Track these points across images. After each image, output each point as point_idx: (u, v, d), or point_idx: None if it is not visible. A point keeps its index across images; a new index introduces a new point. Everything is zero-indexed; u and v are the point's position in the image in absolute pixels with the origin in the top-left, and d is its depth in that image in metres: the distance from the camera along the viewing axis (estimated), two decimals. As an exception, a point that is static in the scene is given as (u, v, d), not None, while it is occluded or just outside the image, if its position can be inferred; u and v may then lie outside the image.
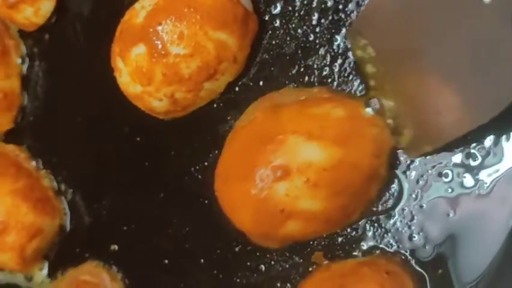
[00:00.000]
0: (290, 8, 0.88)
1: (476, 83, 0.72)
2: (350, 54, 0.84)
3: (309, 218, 0.79)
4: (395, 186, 0.82)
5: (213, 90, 0.87)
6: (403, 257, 0.82)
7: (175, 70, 0.84)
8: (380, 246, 0.83)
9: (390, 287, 0.78)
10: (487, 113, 0.73)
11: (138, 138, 0.95)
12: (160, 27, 0.85)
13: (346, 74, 0.84)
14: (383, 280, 0.78)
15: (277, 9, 0.88)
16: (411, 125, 0.79)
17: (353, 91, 0.84)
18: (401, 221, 0.82)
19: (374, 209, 0.83)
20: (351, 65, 0.84)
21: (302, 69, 0.87)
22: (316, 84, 0.86)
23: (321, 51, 0.86)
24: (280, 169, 0.78)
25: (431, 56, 0.74)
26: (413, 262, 0.82)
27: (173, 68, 0.84)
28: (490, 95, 0.72)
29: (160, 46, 0.85)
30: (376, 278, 0.78)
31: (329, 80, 0.86)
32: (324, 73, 0.86)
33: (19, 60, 1.03)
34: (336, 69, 0.85)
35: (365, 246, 0.84)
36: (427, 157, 0.81)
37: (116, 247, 0.97)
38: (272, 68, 0.89)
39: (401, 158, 0.82)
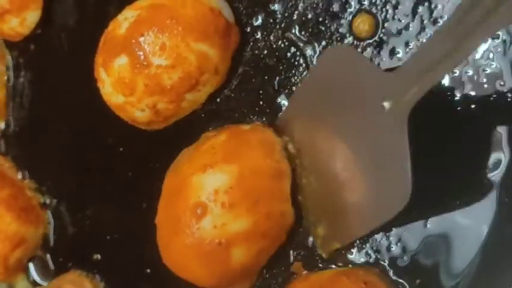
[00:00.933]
0: (271, 20, 0.89)
1: (379, 182, 0.78)
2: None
3: (247, 238, 0.82)
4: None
5: (195, 101, 0.89)
6: (382, 268, 0.83)
7: (157, 81, 0.86)
8: (359, 257, 0.84)
9: None
10: (390, 211, 0.77)
11: (121, 149, 0.97)
12: (142, 39, 0.86)
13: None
14: None
15: (259, 21, 0.90)
16: (323, 224, 0.84)
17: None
18: (378, 232, 0.83)
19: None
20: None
21: (283, 81, 0.89)
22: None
23: (302, 63, 0.88)
24: (197, 207, 0.81)
25: (340, 154, 0.81)
26: (391, 272, 0.83)
27: (155, 79, 0.86)
28: (391, 192, 0.77)
29: (142, 57, 0.86)
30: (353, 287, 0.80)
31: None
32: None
33: (4, 71, 1.04)
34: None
35: (343, 256, 0.85)
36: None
37: (99, 256, 0.99)
38: (253, 80, 0.90)
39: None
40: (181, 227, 0.83)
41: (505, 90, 0.80)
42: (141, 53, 0.87)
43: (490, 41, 0.80)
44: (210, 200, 0.82)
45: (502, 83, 0.80)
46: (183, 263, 0.85)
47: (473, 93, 0.81)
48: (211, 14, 0.87)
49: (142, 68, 0.87)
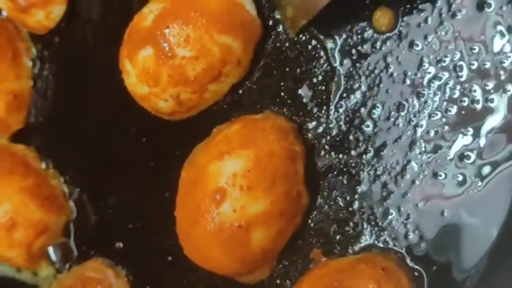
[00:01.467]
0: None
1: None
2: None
3: (266, 220, 0.84)
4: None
5: (217, 92, 0.92)
6: (399, 255, 0.85)
7: (181, 72, 0.89)
8: (377, 244, 0.87)
9: (385, 283, 0.81)
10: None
11: (144, 139, 0.99)
12: (167, 30, 0.89)
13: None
14: (379, 276, 0.82)
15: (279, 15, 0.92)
16: (291, 5, 0.87)
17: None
18: (396, 220, 0.86)
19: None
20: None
21: (304, 74, 0.91)
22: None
23: (322, 55, 0.90)
24: (216, 193, 0.84)
25: None
26: (408, 259, 0.85)
27: (179, 70, 0.89)
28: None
29: (167, 48, 0.89)
30: (372, 274, 0.82)
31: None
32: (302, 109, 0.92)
33: (30, 63, 1.07)
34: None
35: (362, 243, 0.87)
36: (423, 157, 0.84)
37: (121, 244, 1.01)
38: (275, 72, 0.93)
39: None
40: (201, 213, 0.85)
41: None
42: (166, 44, 0.89)
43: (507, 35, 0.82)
44: (229, 185, 0.84)
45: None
46: (205, 251, 0.88)
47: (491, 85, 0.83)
48: (235, 7, 0.90)
49: (166, 59, 0.89)
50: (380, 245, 0.87)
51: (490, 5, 0.83)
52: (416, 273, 0.86)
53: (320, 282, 0.85)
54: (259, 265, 0.88)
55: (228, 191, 0.84)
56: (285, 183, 0.85)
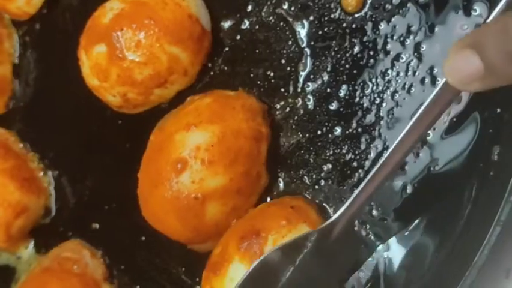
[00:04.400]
0: (243, 27, 0.97)
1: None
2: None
3: (222, 195, 0.88)
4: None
5: (163, 96, 0.97)
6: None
7: (129, 74, 0.95)
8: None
9: (295, 219, 0.86)
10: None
11: (120, 121, 1.03)
12: (121, 33, 0.95)
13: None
14: (289, 214, 0.87)
15: (228, 24, 0.98)
16: None
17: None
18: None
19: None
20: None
21: (273, 55, 0.95)
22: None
23: (291, 37, 0.94)
24: (178, 162, 0.88)
25: None
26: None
27: (127, 72, 0.95)
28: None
29: (118, 50, 0.95)
30: (282, 213, 0.87)
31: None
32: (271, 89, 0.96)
33: (11, 49, 1.11)
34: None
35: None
36: (387, 136, 0.88)
37: (97, 225, 1.05)
38: (245, 54, 0.98)
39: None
40: (161, 180, 0.90)
41: None
42: (118, 45, 0.95)
43: None
44: (191, 156, 0.88)
45: None
46: (160, 216, 0.92)
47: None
48: (189, 20, 0.94)
49: (117, 60, 0.95)
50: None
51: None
52: (324, 208, 0.91)
53: (235, 231, 0.89)
54: (212, 236, 0.92)
55: (190, 162, 0.88)
56: (247, 163, 0.89)
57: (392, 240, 0.89)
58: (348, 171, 0.90)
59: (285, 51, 0.94)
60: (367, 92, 0.90)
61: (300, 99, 0.93)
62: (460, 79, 0.65)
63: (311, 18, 0.93)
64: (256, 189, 0.92)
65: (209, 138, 0.89)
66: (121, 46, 0.95)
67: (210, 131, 0.89)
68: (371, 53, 0.90)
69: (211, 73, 0.98)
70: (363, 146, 0.90)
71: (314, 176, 0.92)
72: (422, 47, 0.88)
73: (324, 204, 0.91)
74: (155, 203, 0.92)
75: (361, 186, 0.80)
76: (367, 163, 0.90)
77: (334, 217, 0.83)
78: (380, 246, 0.89)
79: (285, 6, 0.95)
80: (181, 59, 0.95)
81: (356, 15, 0.92)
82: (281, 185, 0.94)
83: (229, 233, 0.90)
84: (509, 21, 0.60)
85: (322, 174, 0.92)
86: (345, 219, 0.83)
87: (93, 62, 0.98)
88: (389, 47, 0.89)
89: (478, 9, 0.86)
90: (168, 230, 0.93)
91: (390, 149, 0.77)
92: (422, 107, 0.73)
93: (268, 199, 0.94)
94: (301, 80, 0.93)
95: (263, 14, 0.96)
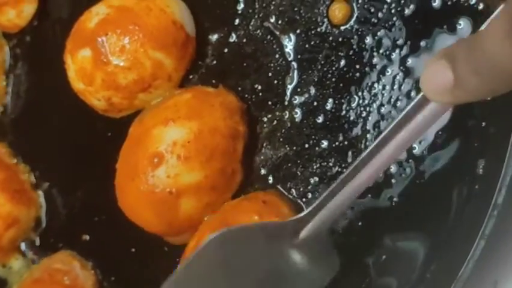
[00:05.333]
0: (250, 11, 0.98)
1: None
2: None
3: (196, 190, 0.90)
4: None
5: (147, 101, 0.98)
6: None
7: (113, 78, 0.96)
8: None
9: (267, 214, 0.88)
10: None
11: (109, 133, 1.04)
12: (106, 38, 0.96)
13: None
14: (260, 208, 0.89)
15: (215, 37, 0.99)
16: None
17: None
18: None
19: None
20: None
21: (260, 68, 0.96)
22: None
23: (277, 50, 0.95)
24: (154, 157, 0.90)
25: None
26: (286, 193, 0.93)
27: (112, 76, 0.96)
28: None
29: (103, 55, 0.96)
30: (254, 207, 0.89)
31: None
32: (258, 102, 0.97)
33: (2, 61, 1.12)
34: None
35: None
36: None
37: (87, 237, 1.06)
38: (232, 66, 0.99)
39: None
40: (137, 173, 0.91)
41: None
42: (103, 50, 0.96)
43: None
44: (167, 151, 0.90)
45: None
46: (136, 208, 0.94)
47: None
48: (173, 26, 0.95)
49: (101, 65, 0.96)
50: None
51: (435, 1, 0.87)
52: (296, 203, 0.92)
53: (209, 225, 0.92)
54: (186, 229, 0.94)
55: (166, 157, 0.90)
56: (222, 160, 0.91)
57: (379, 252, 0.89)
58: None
59: (272, 65, 0.95)
60: (353, 105, 0.91)
61: (287, 112, 0.94)
62: (431, 89, 0.66)
63: (298, 31, 0.94)
64: (231, 186, 0.94)
65: (186, 134, 0.90)
66: (106, 51, 0.97)
67: (188, 127, 0.91)
68: (357, 66, 0.91)
69: (199, 86, 0.98)
70: (349, 159, 0.91)
71: (301, 189, 0.93)
72: (408, 61, 0.89)
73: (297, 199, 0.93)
74: (131, 195, 0.94)
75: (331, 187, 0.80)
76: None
77: (299, 216, 0.83)
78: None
79: (272, 20, 0.96)
80: (165, 65, 0.96)
81: (342, 29, 0.93)
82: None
83: (203, 226, 0.92)
84: (479, 38, 0.61)
85: (309, 187, 0.93)
86: (314, 222, 0.82)
87: (78, 65, 0.99)
88: (375, 60, 0.90)
89: (463, 23, 0.86)
90: (143, 222, 0.95)
91: (364, 153, 0.77)
92: (396, 120, 0.74)
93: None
94: (288, 93, 0.94)
95: (250, 27, 0.97)
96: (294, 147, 0.94)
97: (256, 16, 0.97)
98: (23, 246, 1.10)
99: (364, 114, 0.91)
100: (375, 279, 0.90)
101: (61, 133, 1.10)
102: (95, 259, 1.06)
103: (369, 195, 0.90)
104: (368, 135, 0.90)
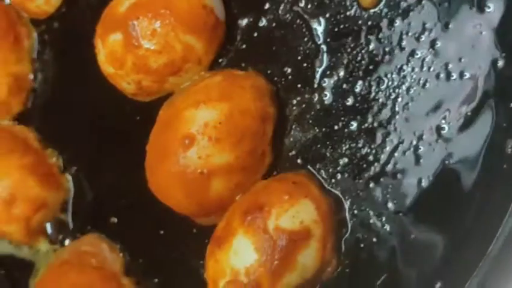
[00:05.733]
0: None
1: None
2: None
3: (227, 171, 0.92)
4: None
5: (177, 84, 1.00)
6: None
7: (144, 62, 0.97)
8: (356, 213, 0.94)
9: (297, 193, 0.90)
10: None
11: (138, 117, 1.06)
12: (137, 21, 0.97)
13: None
14: (291, 189, 0.91)
15: (245, 21, 1.00)
16: None
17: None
18: (377, 190, 0.92)
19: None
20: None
21: (289, 52, 0.98)
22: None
23: (307, 34, 0.97)
24: (186, 138, 0.91)
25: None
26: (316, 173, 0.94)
27: (142, 60, 0.97)
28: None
29: (134, 38, 0.97)
30: (284, 188, 0.91)
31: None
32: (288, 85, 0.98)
33: (31, 47, 1.14)
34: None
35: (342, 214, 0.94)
36: (402, 130, 0.91)
37: (115, 220, 1.07)
38: (262, 51, 1.00)
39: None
40: (169, 154, 0.93)
41: None
42: (134, 34, 0.97)
43: None
44: (199, 133, 0.92)
45: None
46: (166, 189, 0.95)
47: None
48: (203, 10, 0.97)
49: (132, 48, 0.98)
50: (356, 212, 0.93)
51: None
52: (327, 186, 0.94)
53: (239, 206, 0.93)
54: (216, 211, 0.95)
55: (197, 138, 0.92)
56: (252, 142, 0.93)
57: (406, 234, 0.90)
58: (364, 165, 0.93)
59: (301, 48, 0.97)
60: (382, 87, 0.92)
61: (316, 94, 0.96)
62: None
63: (327, 15, 0.96)
64: (260, 168, 0.95)
65: (217, 116, 0.92)
66: (137, 34, 0.98)
67: (219, 109, 0.92)
68: (387, 49, 0.92)
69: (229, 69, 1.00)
70: (378, 140, 0.92)
71: (331, 170, 0.94)
72: (437, 44, 0.90)
73: (340, 196, 0.93)
74: (161, 176, 0.95)
75: None
76: (383, 156, 0.92)
77: None
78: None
79: (302, 4, 0.97)
80: (196, 48, 0.97)
81: (372, 12, 0.94)
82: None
83: (233, 207, 0.94)
84: None
85: (338, 168, 0.94)
86: None
87: (109, 49, 1.01)
88: (404, 43, 0.92)
89: (492, 5, 0.88)
90: (174, 203, 0.97)
91: None
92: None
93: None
94: (317, 76, 0.96)
95: (280, 11, 0.99)
96: (323, 129, 0.95)
97: (285, 0, 0.98)
98: (50, 228, 1.11)
99: (393, 96, 0.92)
100: (395, 270, 0.91)
101: (89, 117, 1.11)
102: (124, 241, 1.07)
103: (399, 176, 0.90)
104: (397, 117, 0.91)
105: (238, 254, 0.90)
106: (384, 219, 0.91)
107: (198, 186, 0.93)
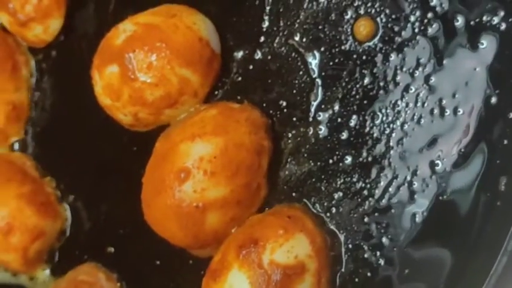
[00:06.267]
0: (275, 28, 0.99)
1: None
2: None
3: (222, 205, 0.92)
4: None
5: (173, 116, 1.01)
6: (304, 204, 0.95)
7: (140, 94, 0.98)
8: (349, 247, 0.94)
9: (291, 228, 0.91)
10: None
11: (135, 148, 1.06)
12: (133, 54, 0.98)
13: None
14: (286, 223, 0.91)
15: (240, 54, 1.01)
16: None
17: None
18: (372, 226, 0.92)
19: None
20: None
21: (285, 85, 0.99)
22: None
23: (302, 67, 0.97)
24: (181, 172, 0.92)
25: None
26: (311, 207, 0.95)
27: (139, 92, 0.98)
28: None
29: (130, 71, 0.98)
30: (279, 222, 0.92)
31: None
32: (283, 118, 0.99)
33: (29, 75, 1.15)
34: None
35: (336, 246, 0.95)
36: (396, 165, 0.92)
37: (112, 249, 1.08)
38: (257, 83, 1.01)
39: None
40: (165, 187, 0.94)
41: None
42: (130, 67, 0.98)
43: None
44: (194, 167, 0.93)
45: None
46: (162, 222, 0.96)
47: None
48: (199, 43, 0.98)
49: (129, 81, 0.98)
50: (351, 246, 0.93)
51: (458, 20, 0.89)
52: (320, 218, 0.95)
53: (234, 239, 0.94)
54: (211, 243, 0.96)
55: (193, 172, 0.92)
56: (248, 175, 0.93)
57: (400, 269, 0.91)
58: (359, 199, 0.93)
59: (296, 81, 0.98)
60: (377, 122, 0.93)
61: (311, 128, 0.96)
62: None
63: (322, 49, 0.96)
64: (256, 201, 0.96)
65: (212, 150, 0.93)
66: (133, 67, 0.99)
67: (214, 143, 0.93)
68: (381, 84, 0.93)
69: (224, 101, 1.01)
70: (373, 175, 0.93)
71: (326, 204, 0.95)
72: (431, 79, 0.91)
73: (335, 230, 0.94)
74: (157, 209, 0.96)
75: None
76: (377, 191, 0.93)
77: None
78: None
79: (297, 38, 0.98)
80: (192, 81, 0.98)
81: (366, 47, 0.95)
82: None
83: (229, 241, 0.95)
84: None
85: (333, 202, 0.95)
86: None
87: (105, 81, 1.01)
88: (398, 78, 0.92)
89: (485, 42, 0.88)
90: (169, 235, 0.97)
91: None
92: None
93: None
94: (312, 109, 0.96)
95: (275, 44, 0.99)
96: (318, 163, 0.96)
97: (281, 34, 0.99)
98: (48, 258, 1.11)
99: (388, 131, 0.93)
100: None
101: (87, 147, 1.11)
102: (120, 271, 1.07)
103: (393, 211, 0.91)
104: (392, 152, 0.92)
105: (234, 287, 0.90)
106: (378, 253, 0.92)
107: (193, 219, 0.94)
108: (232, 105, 0.99)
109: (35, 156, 1.14)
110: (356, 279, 0.93)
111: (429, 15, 0.91)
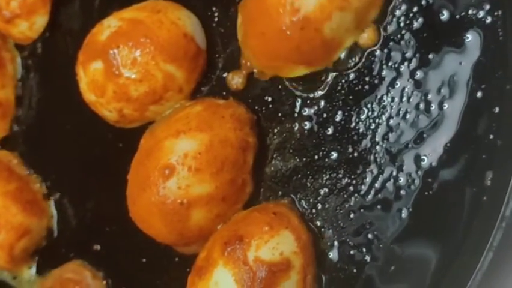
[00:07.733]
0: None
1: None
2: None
3: (207, 201, 0.92)
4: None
5: (158, 112, 1.00)
6: (291, 200, 0.95)
7: (125, 90, 0.98)
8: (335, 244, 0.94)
9: (277, 225, 0.91)
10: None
11: (120, 144, 1.06)
12: (117, 50, 0.98)
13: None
14: (271, 220, 0.91)
15: (226, 51, 1.00)
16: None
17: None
18: (355, 220, 0.92)
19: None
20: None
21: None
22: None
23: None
24: (166, 168, 0.92)
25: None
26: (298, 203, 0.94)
27: (123, 88, 0.98)
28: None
29: (115, 67, 0.98)
30: (265, 219, 0.92)
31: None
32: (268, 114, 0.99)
33: (14, 72, 1.14)
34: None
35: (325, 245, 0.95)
36: (382, 161, 0.91)
37: (98, 247, 1.08)
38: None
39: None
40: (149, 184, 0.94)
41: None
42: (115, 62, 0.98)
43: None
44: (179, 163, 0.92)
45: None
46: (147, 218, 0.96)
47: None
48: (184, 39, 0.97)
49: (113, 77, 0.98)
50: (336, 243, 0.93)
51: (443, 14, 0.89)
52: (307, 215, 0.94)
53: (219, 236, 0.93)
54: (196, 240, 0.96)
55: (177, 168, 0.92)
56: (232, 171, 0.93)
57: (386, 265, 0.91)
58: (345, 195, 0.93)
59: (282, 77, 0.97)
60: (363, 117, 0.93)
61: (297, 123, 0.96)
62: None
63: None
64: (241, 197, 0.96)
65: (197, 146, 0.93)
66: (117, 63, 0.98)
67: (199, 139, 0.93)
68: (367, 79, 0.93)
69: (210, 98, 1.00)
70: (359, 171, 0.93)
71: (311, 200, 0.95)
72: (417, 74, 0.90)
73: (321, 227, 0.94)
74: (142, 205, 0.96)
75: None
76: (363, 187, 0.92)
77: None
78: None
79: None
80: (176, 77, 0.98)
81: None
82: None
83: (214, 238, 0.94)
84: None
85: (319, 198, 0.94)
86: None
87: (90, 77, 1.01)
88: (384, 73, 0.92)
89: (470, 36, 0.88)
90: (154, 232, 0.97)
91: None
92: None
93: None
94: (298, 105, 0.96)
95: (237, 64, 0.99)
96: (304, 159, 0.96)
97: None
98: (34, 256, 1.11)
99: (373, 126, 0.92)
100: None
101: (72, 144, 1.11)
102: (106, 269, 1.07)
103: (379, 207, 0.91)
104: (377, 147, 0.92)
105: (219, 285, 0.90)
106: (364, 250, 0.92)
107: (178, 216, 0.93)
108: (218, 101, 0.98)
109: (20, 153, 1.14)
110: (342, 276, 0.93)
111: (415, 9, 0.91)
